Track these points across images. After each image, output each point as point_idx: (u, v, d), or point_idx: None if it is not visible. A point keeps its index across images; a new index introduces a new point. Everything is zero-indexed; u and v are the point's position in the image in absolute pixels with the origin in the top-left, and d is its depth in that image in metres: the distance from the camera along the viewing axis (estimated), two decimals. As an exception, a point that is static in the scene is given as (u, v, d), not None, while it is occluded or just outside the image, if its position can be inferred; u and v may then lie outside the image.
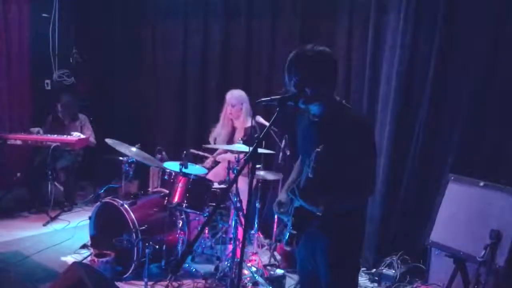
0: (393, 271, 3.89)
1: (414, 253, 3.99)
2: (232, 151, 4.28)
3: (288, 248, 2.33)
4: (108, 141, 4.02)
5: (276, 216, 4.21)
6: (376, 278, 3.96)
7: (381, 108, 4.21)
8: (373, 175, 2.24)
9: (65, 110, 5.63)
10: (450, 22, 3.83)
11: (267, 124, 3.94)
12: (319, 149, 2.01)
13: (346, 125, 2.14)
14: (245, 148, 3.70)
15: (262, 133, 2.08)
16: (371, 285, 3.95)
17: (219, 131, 4.63)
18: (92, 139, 5.58)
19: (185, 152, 3.95)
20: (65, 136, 5.26)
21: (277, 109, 2.07)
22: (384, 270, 3.93)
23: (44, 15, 6.14)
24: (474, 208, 3.34)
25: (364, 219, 2.39)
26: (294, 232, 2.22)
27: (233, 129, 4.57)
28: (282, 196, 2.41)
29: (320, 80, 2.15)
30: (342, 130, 2.12)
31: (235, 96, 4.45)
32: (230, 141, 4.52)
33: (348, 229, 2.21)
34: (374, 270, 4.05)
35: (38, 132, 5.32)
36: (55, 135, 5.24)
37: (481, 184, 3.36)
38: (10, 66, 5.82)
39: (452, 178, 3.55)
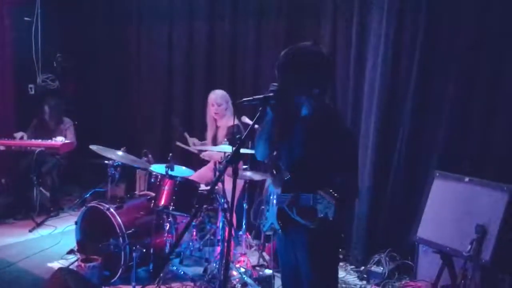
0: (382, 269, 3.91)
1: (402, 250, 4.02)
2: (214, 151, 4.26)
3: (268, 233, 2.34)
4: (93, 147, 3.98)
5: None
6: (365, 276, 3.98)
7: (366, 107, 4.23)
8: (356, 185, 2.25)
9: (52, 112, 5.57)
10: (432, 22, 3.87)
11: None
12: (334, 200, 1.96)
13: (335, 131, 2.15)
14: (229, 148, 3.69)
15: (245, 133, 2.07)
16: (360, 282, 3.97)
17: (208, 133, 4.63)
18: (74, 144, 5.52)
19: (171, 154, 3.93)
20: (49, 140, 5.21)
21: (260, 108, 2.06)
22: (372, 268, 3.95)
23: (26, 18, 6.07)
24: (460, 204, 3.37)
25: (344, 213, 2.39)
26: (279, 228, 2.25)
27: (217, 129, 4.57)
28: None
29: (299, 79, 2.14)
30: (330, 135, 2.13)
31: (220, 95, 4.45)
32: (214, 140, 4.52)
33: (328, 223, 2.20)
34: (363, 267, 4.07)
35: (22, 137, 5.26)
36: (40, 140, 5.18)
37: (466, 179, 3.40)
38: (-7, 71, 5.75)
39: (438, 174, 3.58)
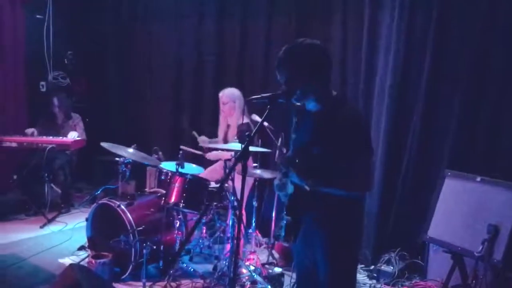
0: (392, 268, 3.89)
1: (412, 249, 3.99)
2: (224, 150, 4.26)
3: (285, 244, 2.32)
4: (104, 145, 4.00)
5: (273, 214, 4.21)
6: (375, 275, 3.97)
7: (377, 104, 4.21)
8: (368, 169, 2.23)
9: (61, 104, 5.59)
10: (444, 20, 3.85)
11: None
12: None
13: (342, 121, 2.12)
14: (238, 146, 3.69)
15: (254, 131, 2.08)
16: (370, 281, 3.95)
17: (220, 129, 4.62)
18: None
19: (181, 151, 3.94)
20: (60, 137, 5.24)
21: (268, 106, 2.07)
22: (382, 267, 3.94)
23: (38, 16, 6.11)
24: (471, 203, 3.35)
25: (362, 213, 2.38)
26: (289, 218, 2.20)
27: (228, 127, 4.56)
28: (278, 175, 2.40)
29: (310, 74, 2.14)
30: (338, 126, 2.11)
31: (226, 94, 4.44)
32: (225, 139, 4.52)
33: (346, 222, 2.20)
34: (373, 266, 4.06)
35: (32, 133, 5.30)
36: (51, 137, 5.22)
37: (478, 179, 3.37)
38: (5, 68, 5.80)
39: (449, 174, 3.55)
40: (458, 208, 3.42)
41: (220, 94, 4.47)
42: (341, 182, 2.10)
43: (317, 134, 2.16)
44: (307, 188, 2.09)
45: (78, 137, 5.35)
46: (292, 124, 2.42)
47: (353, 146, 2.10)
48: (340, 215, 2.17)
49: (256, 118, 4.26)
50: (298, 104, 2.21)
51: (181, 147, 4.41)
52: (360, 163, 2.12)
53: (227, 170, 3.84)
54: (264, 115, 2.08)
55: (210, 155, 4.54)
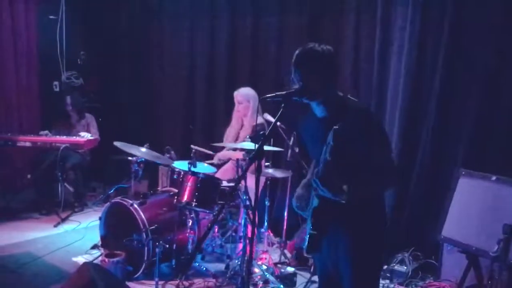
0: (405, 268, 3.86)
1: (426, 249, 3.96)
2: (235, 149, 4.26)
3: (309, 256, 2.29)
4: (117, 144, 4.02)
5: (285, 214, 4.20)
6: (388, 275, 3.93)
7: (390, 104, 4.19)
8: (391, 160, 2.21)
9: (74, 104, 5.63)
10: (458, 17, 3.81)
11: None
12: (336, 127, 1.97)
13: (352, 118, 2.11)
14: (251, 146, 3.69)
15: (268, 131, 2.07)
16: (383, 281, 3.92)
17: (229, 130, 4.61)
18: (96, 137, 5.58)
19: (193, 151, 3.95)
20: (74, 137, 5.28)
21: (282, 105, 2.06)
22: (395, 267, 3.91)
23: (51, 17, 6.16)
24: (486, 203, 3.31)
25: (385, 214, 2.34)
26: (315, 232, 2.16)
27: (241, 127, 4.55)
28: (298, 190, 2.37)
29: (319, 77, 2.16)
30: (349, 124, 2.08)
31: (241, 93, 4.44)
32: (237, 139, 4.52)
33: (370, 227, 2.18)
34: (386, 266, 4.02)
35: (46, 135, 5.35)
36: (64, 137, 5.26)
37: (493, 178, 3.33)
38: (19, 69, 5.85)
39: (463, 173, 3.52)
40: (473, 208, 3.38)
41: (235, 93, 4.47)
42: (375, 183, 2.12)
43: (334, 140, 2.11)
44: (342, 201, 2.04)
45: (91, 136, 5.38)
46: (305, 134, 2.41)
47: (374, 143, 2.09)
48: (364, 220, 2.15)
49: (268, 117, 4.25)
50: (307, 102, 2.21)
51: (192, 146, 4.41)
52: (385, 157, 2.13)
53: (239, 170, 3.83)
54: (278, 114, 2.08)
55: (220, 155, 4.53)
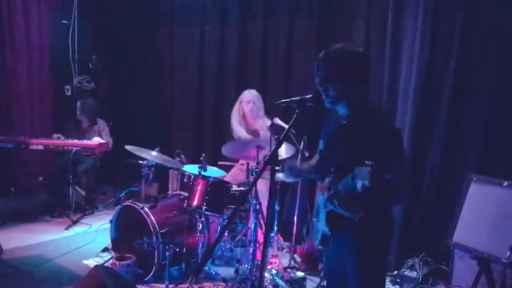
0: (415, 273, 3.83)
1: (437, 255, 3.93)
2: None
3: (320, 247, 2.31)
4: (128, 147, 4.05)
5: (295, 218, 4.20)
6: (398, 280, 3.91)
7: (401, 106, 4.17)
8: (407, 178, 2.21)
9: (84, 109, 5.67)
10: (470, 19, 3.78)
11: (284, 125, 3.93)
12: (369, 167, 1.89)
13: (375, 132, 2.07)
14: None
15: (282, 136, 2.07)
16: (393, 287, 3.90)
17: (237, 127, 4.60)
18: (110, 144, 5.61)
19: (203, 155, 3.96)
20: (85, 140, 5.33)
21: (296, 111, 2.06)
22: (406, 272, 3.88)
23: (63, 21, 6.23)
24: (498, 209, 3.28)
25: (393, 221, 2.34)
26: (329, 233, 2.21)
27: (255, 131, 4.57)
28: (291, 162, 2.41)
29: (347, 78, 2.10)
30: (371, 137, 2.05)
31: (253, 94, 4.50)
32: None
33: (377, 232, 2.18)
34: (396, 272, 4.00)
35: (59, 138, 5.40)
36: (76, 140, 5.31)
37: (505, 184, 3.30)
38: (31, 72, 5.92)
39: (474, 178, 3.49)
40: (484, 213, 3.36)
41: (247, 94, 4.52)
42: (390, 201, 2.14)
43: (352, 148, 2.10)
44: (356, 219, 2.06)
45: (105, 141, 5.42)
46: (324, 131, 2.38)
47: (395, 159, 2.05)
48: (371, 226, 2.15)
49: (278, 121, 4.25)
50: (330, 106, 2.18)
51: (219, 163, 4.50)
52: (403, 176, 2.09)
53: (249, 174, 3.83)
54: (292, 120, 2.07)
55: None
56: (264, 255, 2.14)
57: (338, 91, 2.10)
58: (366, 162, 1.86)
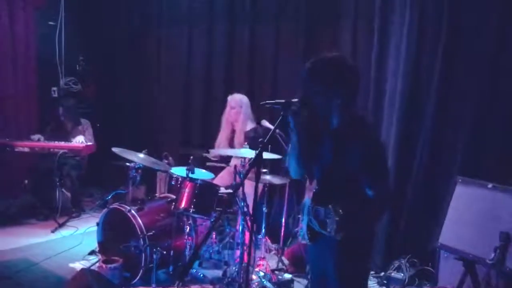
0: (402, 275, 3.87)
1: (423, 256, 3.97)
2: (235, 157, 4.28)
3: (304, 242, 2.33)
4: (115, 149, 4.03)
5: (283, 220, 4.21)
6: (385, 282, 3.94)
7: (387, 110, 4.20)
8: (389, 192, 2.23)
9: (67, 113, 5.65)
10: (455, 24, 3.83)
11: (272, 127, 3.94)
12: (337, 217, 1.95)
13: (360, 146, 2.07)
14: (250, 152, 3.70)
15: (267, 137, 2.07)
16: (380, 288, 3.94)
17: (220, 136, 4.67)
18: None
19: (191, 157, 3.95)
20: (71, 143, 5.28)
21: (282, 113, 2.06)
22: (392, 274, 3.92)
23: (50, 23, 6.19)
24: (483, 210, 3.31)
25: (374, 227, 2.35)
26: (307, 239, 2.25)
27: (233, 133, 4.60)
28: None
29: (332, 88, 2.08)
30: (356, 151, 2.06)
31: (235, 99, 4.55)
32: (231, 145, 4.55)
33: (358, 237, 2.17)
34: (383, 273, 4.03)
35: (38, 140, 5.35)
36: (62, 142, 5.27)
37: (490, 186, 3.34)
38: (17, 74, 5.87)
39: (460, 180, 3.53)
40: (469, 215, 3.39)
41: (229, 98, 4.55)
42: (371, 218, 2.16)
43: (335, 154, 2.12)
44: (338, 239, 2.05)
45: (88, 142, 5.38)
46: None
47: (379, 173, 2.08)
48: (353, 231, 2.13)
49: (266, 124, 4.27)
50: (311, 114, 2.18)
51: (208, 164, 4.49)
52: (384, 193, 2.11)
53: (237, 176, 3.83)
54: (277, 122, 2.07)
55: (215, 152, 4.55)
56: (250, 257, 2.13)
57: (324, 103, 2.10)
58: (340, 210, 1.94)
